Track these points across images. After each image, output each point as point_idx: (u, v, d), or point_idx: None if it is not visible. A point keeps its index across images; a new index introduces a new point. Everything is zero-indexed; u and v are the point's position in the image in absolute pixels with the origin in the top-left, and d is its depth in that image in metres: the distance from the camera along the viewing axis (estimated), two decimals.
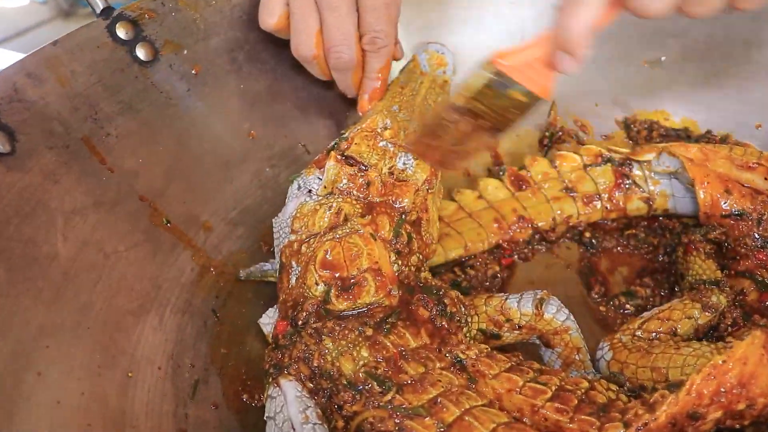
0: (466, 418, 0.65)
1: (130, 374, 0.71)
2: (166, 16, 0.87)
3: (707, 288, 0.87)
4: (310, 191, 0.80)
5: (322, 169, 0.81)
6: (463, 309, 0.78)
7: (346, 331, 0.70)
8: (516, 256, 1.00)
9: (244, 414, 0.74)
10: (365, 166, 0.80)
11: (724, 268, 0.91)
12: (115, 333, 0.72)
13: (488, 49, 0.75)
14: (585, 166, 1.01)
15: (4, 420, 0.59)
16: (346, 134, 0.84)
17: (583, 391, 0.74)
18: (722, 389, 0.69)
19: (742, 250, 0.91)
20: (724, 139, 1.04)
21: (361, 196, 0.79)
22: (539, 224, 0.99)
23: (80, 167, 0.77)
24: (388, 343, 0.70)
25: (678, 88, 1.09)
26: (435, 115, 0.80)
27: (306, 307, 0.72)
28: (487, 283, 0.96)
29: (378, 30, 0.90)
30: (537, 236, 1.00)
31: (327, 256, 0.74)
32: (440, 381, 0.69)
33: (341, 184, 0.80)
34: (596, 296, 0.95)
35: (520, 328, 0.81)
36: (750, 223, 0.92)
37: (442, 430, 0.64)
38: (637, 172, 1.00)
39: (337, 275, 0.73)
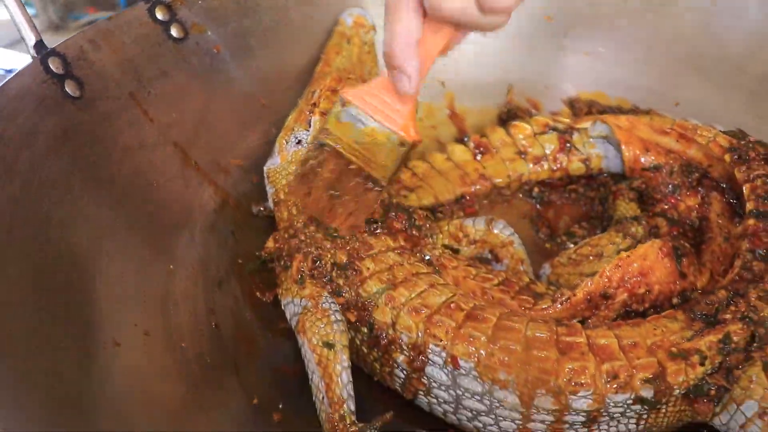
0: (431, 288, 0.87)
1: (171, 266, 0.92)
2: (194, 3, 1.10)
3: (629, 222, 1.10)
4: (299, 141, 1.02)
5: (306, 123, 1.02)
6: (428, 225, 1.00)
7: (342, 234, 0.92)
8: (477, 207, 1.22)
9: (256, 305, 0.96)
10: None
11: (643, 211, 1.14)
12: (158, 240, 0.93)
13: None
14: (535, 134, 1.24)
15: (82, 286, 0.80)
16: (316, 94, 1.05)
17: (524, 283, 0.97)
18: (627, 277, 0.91)
19: (658, 195, 1.14)
20: (647, 112, 1.27)
21: None
22: (497, 181, 1.22)
23: (129, 115, 0.99)
24: (372, 242, 0.92)
25: (613, 74, 1.33)
26: (305, 158, 0.84)
27: (306, 222, 0.94)
28: None
29: None
30: (495, 192, 1.23)
31: None
32: (411, 267, 0.91)
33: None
34: (543, 236, 1.18)
35: (475, 242, 1.03)
36: (663, 174, 1.15)
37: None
38: (576, 138, 1.23)
39: None
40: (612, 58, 1.33)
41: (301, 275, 0.90)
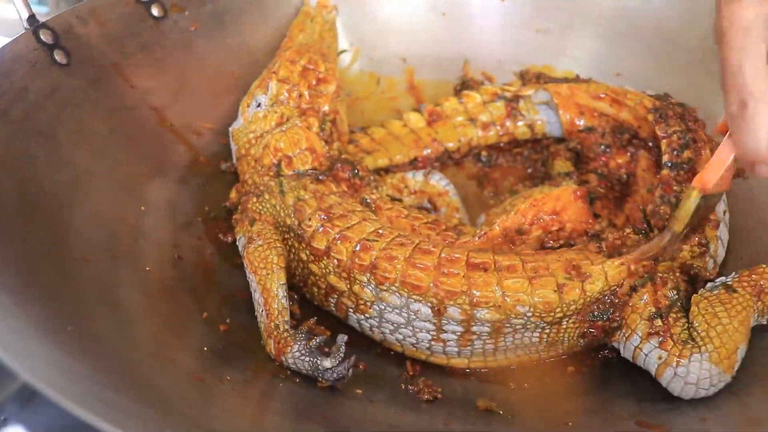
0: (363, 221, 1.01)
1: (143, 208, 1.09)
2: None
3: (561, 176, 1.24)
4: (259, 104, 1.18)
5: (265, 88, 1.18)
6: (372, 177, 1.14)
7: (293, 182, 1.07)
8: (429, 168, 1.35)
9: (217, 244, 1.12)
10: (293, 85, 1.18)
11: (578, 169, 1.28)
12: (133, 186, 1.10)
13: None
14: (484, 103, 1.38)
15: (61, 215, 0.97)
16: (277, 64, 1.21)
17: (453, 224, 1.11)
18: (540, 214, 1.05)
19: (591, 155, 1.28)
20: (586, 81, 1.40)
21: (294, 104, 1.18)
22: (448, 145, 1.36)
23: (112, 82, 1.15)
24: (319, 188, 1.07)
25: (560, 48, 1.46)
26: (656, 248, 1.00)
27: (263, 173, 1.09)
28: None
29: None
30: (446, 155, 1.37)
31: (278, 143, 1.12)
32: (348, 206, 1.05)
33: (282, 97, 1.18)
34: (488, 194, 1.31)
35: (414, 192, 1.18)
36: (596, 135, 1.28)
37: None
38: (522, 105, 1.36)
39: (285, 154, 1.11)
40: (560, 33, 1.46)
41: (252, 216, 1.06)
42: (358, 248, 0.97)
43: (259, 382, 0.92)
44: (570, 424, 0.92)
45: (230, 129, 1.21)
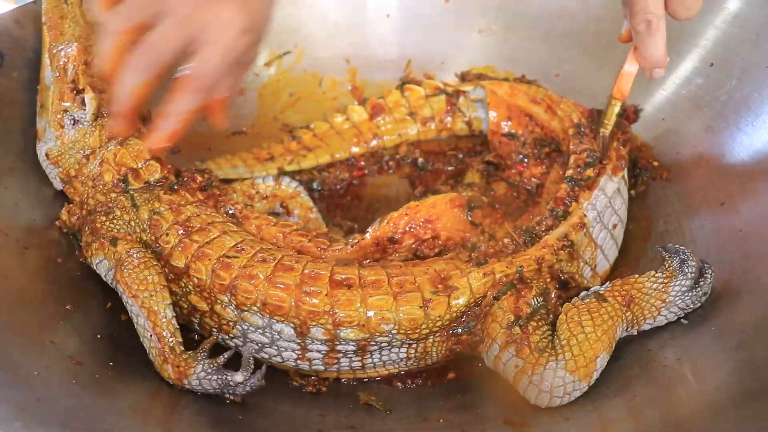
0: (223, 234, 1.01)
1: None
2: None
3: (463, 186, 1.27)
4: (77, 121, 1.11)
5: (78, 103, 1.11)
6: (222, 186, 1.14)
7: (145, 195, 1.04)
8: (367, 171, 1.40)
9: None
10: (104, 90, 1.11)
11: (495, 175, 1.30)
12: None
13: None
14: (426, 97, 1.41)
15: None
16: (71, 71, 1.12)
17: (323, 231, 1.13)
18: (413, 223, 1.08)
19: (509, 162, 1.30)
20: (530, 82, 1.42)
21: None
22: (387, 139, 1.39)
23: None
24: (174, 198, 1.05)
25: (502, 49, 1.49)
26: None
27: (108, 190, 1.05)
28: (338, 186, 1.36)
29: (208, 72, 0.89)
30: (386, 156, 1.41)
31: (119, 158, 1.06)
32: (207, 217, 1.04)
33: (103, 110, 1.11)
34: (417, 194, 1.35)
35: (266, 197, 1.20)
36: (517, 143, 1.31)
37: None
38: (462, 101, 1.39)
39: (130, 167, 1.06)
40: (502, 35, 1.49)
41: (112, 236, 1.03)
42: (217, 267, 0.96)
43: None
44: (441, 420, 0.95)
45: (42, 151, 1.15)
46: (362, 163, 1.40)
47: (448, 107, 1.40)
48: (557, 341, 0.95)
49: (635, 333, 1.02)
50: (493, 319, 0.98)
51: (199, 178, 1.10)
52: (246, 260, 0.96)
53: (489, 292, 0.99)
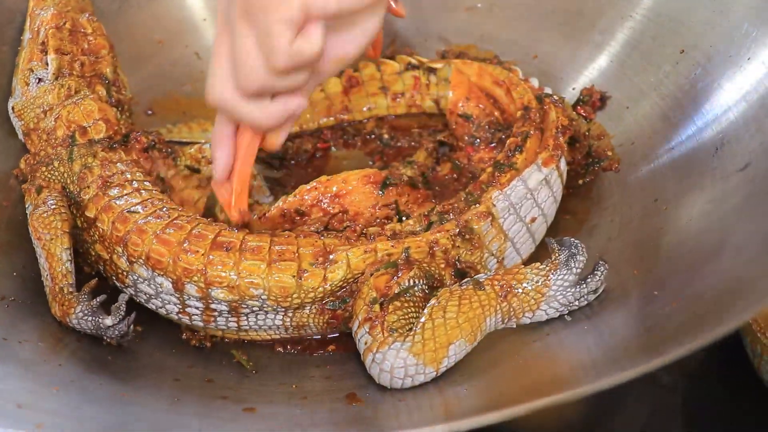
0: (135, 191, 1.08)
1: None
2: None
3: (403, 164, 1.25)
4: (40, 79, 1.22)
5: (42, 63, 1.21)
6: (170, 150, 1.20)
7: (83, 150, 1.13)
8: (332, 144, 1.42)
9: None
10: (72, 55, 1.23)
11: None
12: None
13: None
14: (399, 72, 1.41)
15: None
16: (42, 33, 1.22)
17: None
18: (321, 197, 1.10)
19: (461, 143, 1.29)
20: (500, 63, 1.39)
21: (78, 74, 1.23)
22: (356, 112, 1.41)
23: None
24: (108, 156, 1.12)
25: (485, 29, 1.46)
26: None
27: (57, 144, 1.15)
28: (301, 158, 1.40)
29: None
30: (353, 130, 1.43)
31: (71, 115, 1.16)
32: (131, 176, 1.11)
33: (64, 70, 1.21)
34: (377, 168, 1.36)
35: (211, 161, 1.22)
36: (470, 125, 1.30)
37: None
38: (432, 78, 1.39)
39: (79, 124, 1.15)
40: (486, 13, 1.47)
41: (39, 184, 1.13)
42: (117, 219, 1.03)
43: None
44: (294, 386, 0.99)
45: (10, 104, 1.26)
46: (328, 135, 1.43)
47: (416, 83, 1.40)
48: (416, 323, 0.95)
49: (514, 326, 1.00)
50: (360, 296, 0.99)
51: (144, 140, 1.17)
52: (144, 216, 1.04)
53: (367, 270, 1.00)
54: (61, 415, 0.82)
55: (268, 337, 1.07)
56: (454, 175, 1.25)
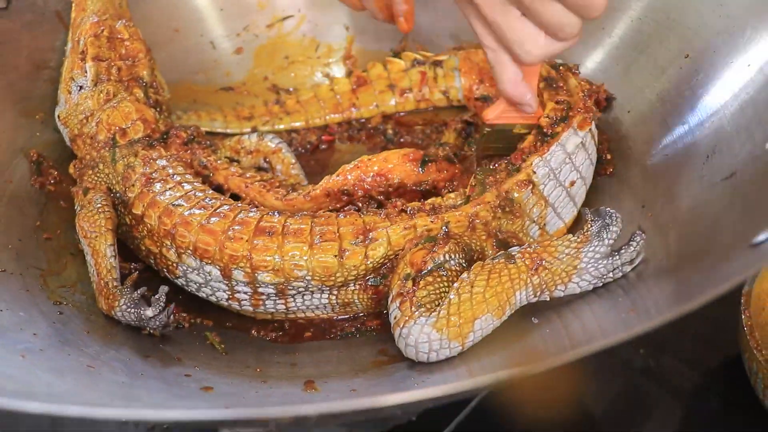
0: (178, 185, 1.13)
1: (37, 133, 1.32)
2: None
3: (436, 146, 1.27)
4: (81, 87, 1.28)
5: (82, 71, 1.28)
6: (209, 142, 1.26)
7: (125, 150, 1.19)
8: (337, 137, 1.45)
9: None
10: (109, 60, 1.28)
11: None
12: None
13: None
14: (405, 69, 1.43)
15: None
16: (81, 42, 1.30)
17: (288, 183, 1.21)
18: (364, 176, 1.13)
19: (481, 123, 1.29)
20: None
21: (116, 79, 1.28)
22: (364, 109, 1.43)
23: (49, 27, 1.39)
24: (149, 153, 1.18)
25: None
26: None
27: (100, 147, 1.21)
28: (305, 149, 1.43)
29: None
30: (357, 126, 1.45)
31: (111, 118, 1.22)
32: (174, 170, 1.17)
33: (102, 76, 1.27)
34: None
35: (250, 152, 1.30)
36: (485, 104, 1.29)
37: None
38: (439, 71, 1.40)
39: (119, 126, 1.21)
40: None
41: (86, 186, 1.19)
42: (163, 213, 1.08)
43: None
44: (258, 369, 1.01)
45: (56, 113, 1.31)
46: (334, 128, 1.45)
47: (423, 77, 1.41)
48: (444, 298, 0.95)
49: (547, 299, 0.99)
50: (396, 271, 1.01)
51: (184, 135, 1.23)
52: (188, 208, 1.08)
53: (407, 246, 1.02)
54: (22, 381, 0.85)
55: (317, 317, 1.10)
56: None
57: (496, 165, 1.11)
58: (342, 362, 1.02)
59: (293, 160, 1.30)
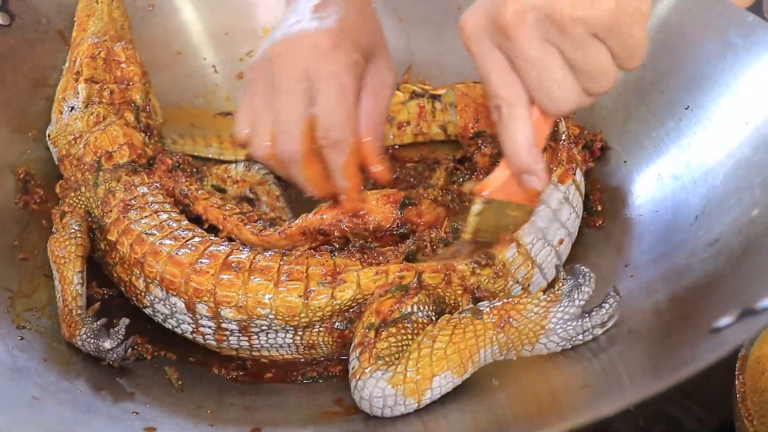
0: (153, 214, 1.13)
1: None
2: None
3: (424, 187, 1.25)
4: (72, 108, 1.28)
5: (75, 91, 1.28)
6: (195, 169, 1.25)
7: (108, 175, 1.19)
8: None
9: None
10: (102, 82, 1.28)
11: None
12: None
13: None
14: (404, 102, 1.40)
15: None
16: (77, 63, 1.29)
17: (269, 217, 1.19)
18: (342, 217, 1.10)
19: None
20: None
21: (107, 101, 1.28)
22: None
23: (51, 45, 1.41)
24: (131, 179, 1.17)
25: None
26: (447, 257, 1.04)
27: (85, 169, 1.21)
28: None
29: (331, 121, 0.94)
30: None
31: (98, 141, 1.21)
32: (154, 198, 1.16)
33: (94, 98, 1.27)
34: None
35: (237, 182, 1.28)
36: (482, 140, 1.28)
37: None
38: (438, 105, 1.38)
39: (105, 150, 1.21)
40: None
41: (63, 209, 1.19)
42: (135, 242, 1.08)
43: None
44: (209, 411, 0.99)
45: (47, 132, 1.32)
46: None
47: (421, 111, 1.38)
48: (405, 352, 0.93)
49: (514, 358, 0.95)
50: (360, 318, 0.99)
51: (169, 161, 1.23)
52: (159, 238, 1.08)
53: (377, 292, 1.00)
54: None
55: (280, 357, 1.08)
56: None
57: None
58: (296, 409, 0.99)
59: (278, 192, 1.28)
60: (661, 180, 1.12)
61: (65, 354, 1.06)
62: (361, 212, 1.11)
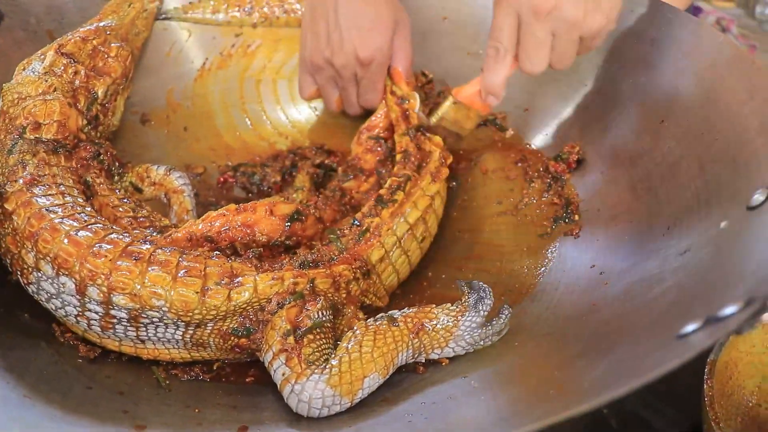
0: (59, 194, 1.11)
1: None
2: None
3: (293, 190, 1.37)
4: (34, 71, 1.26)
5: (45, 56, 1.27)
6: (117, 163, 1.25)
7: (26, 146, 1.16)
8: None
9: None
10: (75, 61, 1.28)
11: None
12: None
13: None
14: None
15: None
16: (70, 37, 1.30)
17: (161, 224, 1.18)
18: (229, 225, 1.14)
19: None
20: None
21: (68, 80, 1.27)
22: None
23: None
24: (47, 158, 1.16)
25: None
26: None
27: (10, 132, 1.17)
28: (264, 187, 1.44)
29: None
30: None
31: (34, 108, 1.20)
32: (63, 179, 1.15)
33: (57, 69, 1.26)
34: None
35: (154, 184, 1.28)
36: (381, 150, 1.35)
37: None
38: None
39: (35, 120, 1.18)
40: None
41: None
42: (33, 216, 1.06)
43: None
44: (197, 410, 1.02)
45: (4, 85, 1.28)
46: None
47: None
48: (332, 356, 1.00)
49: (422, 361, 1.06)
50: (272, 327, 1.03)
51: (91, 150, 1.22)
52: (60, 217, 1.06)
53: (274, 299, 1.03)
54: None
55: (166, 352, 1.09)
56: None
57: (344, 228, 1.17)
58: (280, 409, 1.03)
59: (190, 207, 1.28)
60: (635, 192, 1.17)
61: (55, 353, 1.09)
62: (249, 221, 1.14)
